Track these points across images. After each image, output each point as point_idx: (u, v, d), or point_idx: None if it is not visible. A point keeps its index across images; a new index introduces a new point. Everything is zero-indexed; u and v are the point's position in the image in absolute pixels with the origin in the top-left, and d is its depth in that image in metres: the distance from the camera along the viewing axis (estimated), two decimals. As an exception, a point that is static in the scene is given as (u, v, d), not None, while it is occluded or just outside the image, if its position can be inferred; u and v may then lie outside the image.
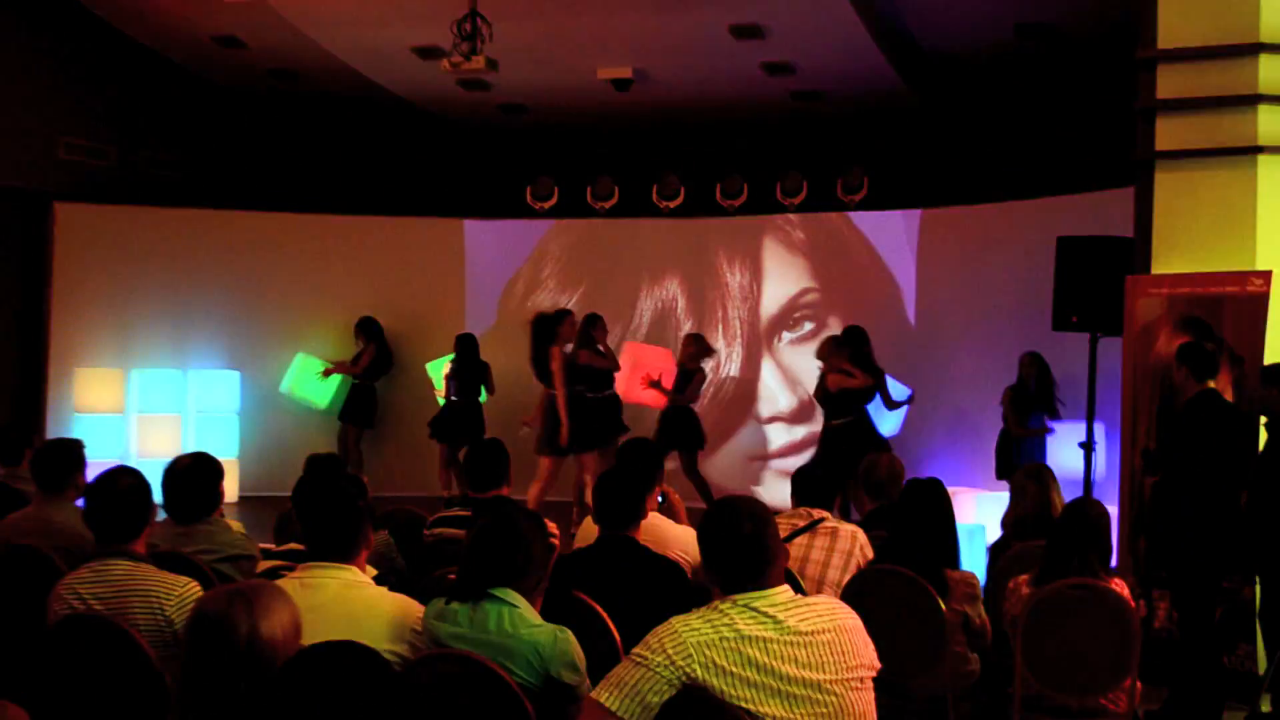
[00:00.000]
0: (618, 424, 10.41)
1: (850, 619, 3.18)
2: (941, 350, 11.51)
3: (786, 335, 12.69)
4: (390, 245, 13.16)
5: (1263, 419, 6.27)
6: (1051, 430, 9.84)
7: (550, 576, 4.11)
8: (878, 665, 3.18)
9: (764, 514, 3.20)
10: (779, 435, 12.49)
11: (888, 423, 10.64)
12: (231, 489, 10.56)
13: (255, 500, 11.46)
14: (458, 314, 13.06)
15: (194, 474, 4.96)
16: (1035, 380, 9.74)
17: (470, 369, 11.43)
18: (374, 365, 12.07)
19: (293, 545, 4.96)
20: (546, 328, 10.09)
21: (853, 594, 4.80)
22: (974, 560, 7.25)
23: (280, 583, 3.50)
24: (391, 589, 3.95)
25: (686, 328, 12.29)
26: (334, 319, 12.32)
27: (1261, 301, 6.66)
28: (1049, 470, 6.36)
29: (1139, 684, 4.86)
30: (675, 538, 5.04)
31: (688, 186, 13.83)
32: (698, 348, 11.07)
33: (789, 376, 12.48)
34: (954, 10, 10.78)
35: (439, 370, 11.77)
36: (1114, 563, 5.67)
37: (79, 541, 4.59)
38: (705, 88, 12.37)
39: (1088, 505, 4.98)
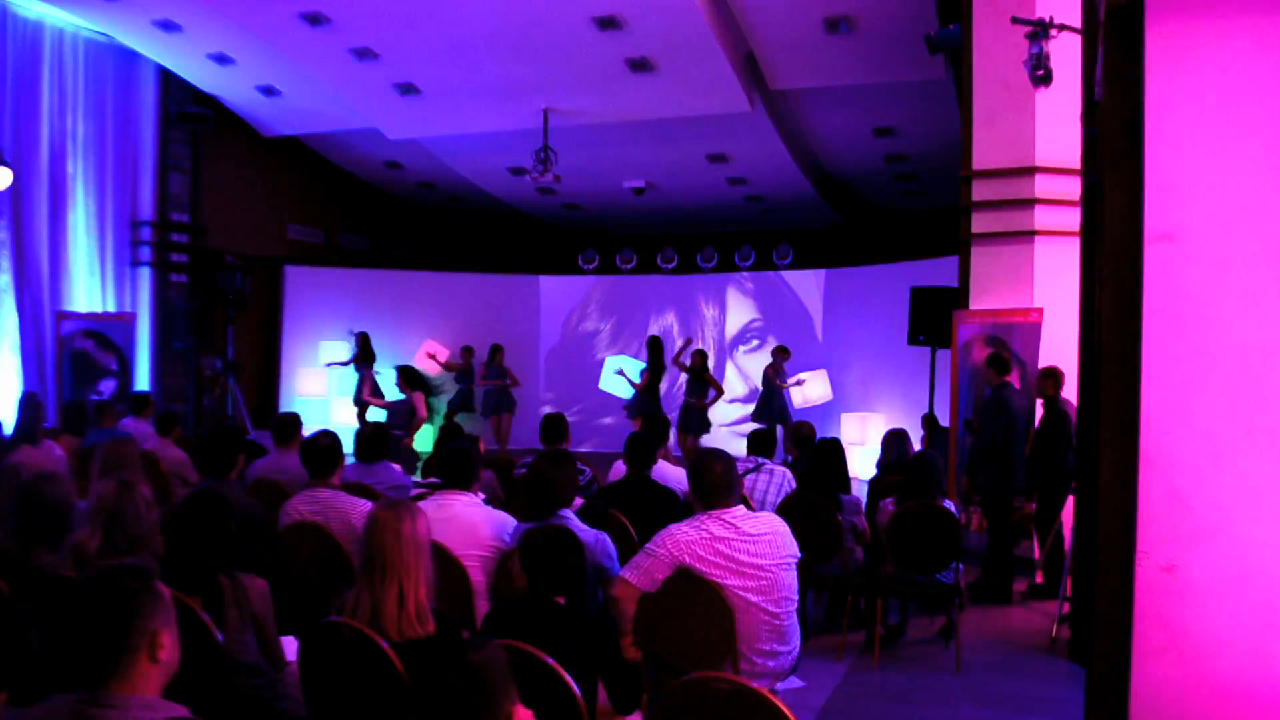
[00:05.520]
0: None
1: (782, 525, 3.11)
2: (838, 357, 11.55)
3: (741, 348, 12.75)
4: (493, 292, 13.16)
5: (1039, 400, 6.26)
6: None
7: (595, 498, 4.10)
8: (798, 555, 3.12)
9: (729, 460, 3.12)
10: (735, 409, 12.51)
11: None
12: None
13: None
14: (535, 336, 13.05)
15: (373, 435, 4.94)
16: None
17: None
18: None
19: (433, 480, 4.92)
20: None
21: (783, 510, 4.76)
22: (858, 488, 7.22)
23: (422, 504, 3.33)
24: (495, 508, 3.83)
25: (678, 344, 12.27)
26: (456, 339, 12.27)
27: (1038, 327, 6.73)
28: (906, 433, 6.30)
29: (962, 565, 4.86)
30: (674, 476, 4.90)
31: (679, 255, 13.91)
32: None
33: (743, 372, 12.53)
34: (846, 151, 10.87)
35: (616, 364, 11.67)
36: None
37: (298, 477, 4.42)
38: (690, 192, 12.44)
39: (927, 455, 4.87)
